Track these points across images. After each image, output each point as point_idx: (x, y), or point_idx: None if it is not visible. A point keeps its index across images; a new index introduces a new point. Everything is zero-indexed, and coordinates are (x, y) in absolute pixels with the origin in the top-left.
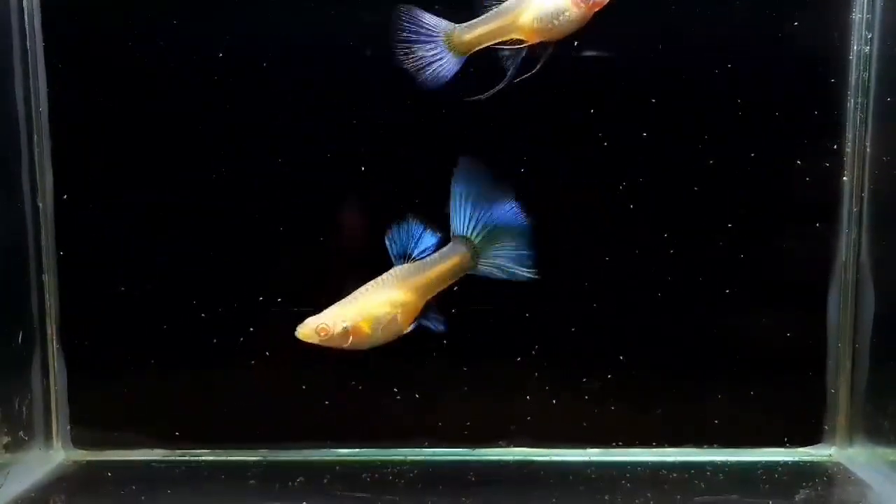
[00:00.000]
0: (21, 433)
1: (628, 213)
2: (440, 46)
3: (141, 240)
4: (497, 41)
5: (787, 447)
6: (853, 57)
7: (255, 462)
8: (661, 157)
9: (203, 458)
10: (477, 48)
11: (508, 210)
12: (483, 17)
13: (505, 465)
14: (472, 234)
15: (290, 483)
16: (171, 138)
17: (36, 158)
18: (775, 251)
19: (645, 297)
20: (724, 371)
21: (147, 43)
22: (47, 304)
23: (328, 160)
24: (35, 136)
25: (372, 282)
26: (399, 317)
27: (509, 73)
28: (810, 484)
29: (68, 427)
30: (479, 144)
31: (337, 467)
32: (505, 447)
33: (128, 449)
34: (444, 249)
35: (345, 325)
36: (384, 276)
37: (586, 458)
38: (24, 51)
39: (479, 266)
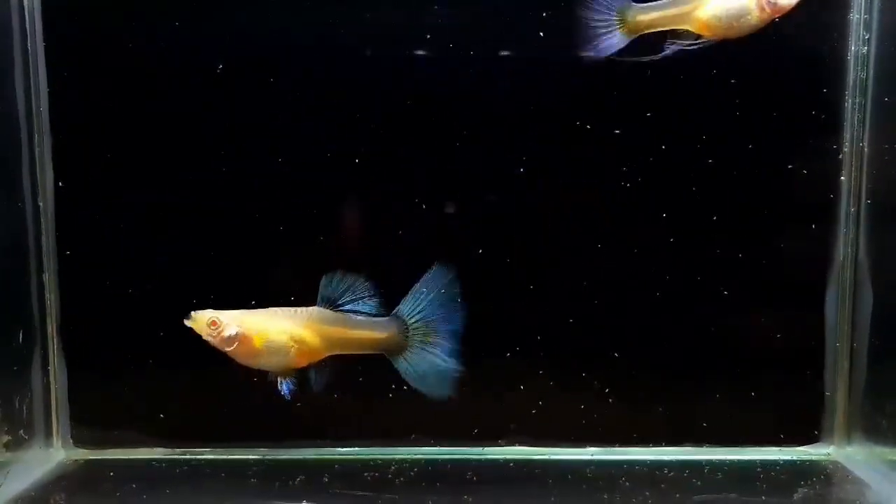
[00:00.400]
0: (21, 432)
1: (628, 212)
2: (612, 21)
3: (141, 239)
4: (669, 28)
5: (786, 446)
6: (851, 57)
7: (255, 461)
8: (659, 157)
9: (203, 456)
10: (647, 31)
11: (454, 319)
12: (662, 1)
13: (504, 464)
14: (412, 322)
15: (290, 482)
16: (172, 137)
17: (36, 157)
18: (773, 251)
19: (644, 297)
20: (722, 370)
21: (147, 42)
22: (48, 302)
23: (328, 160)
24: (36, 135)
25: (289, 309)
26: (292, 352)
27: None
28: (808, 483)
29: (69, 426)
30: (480, 144)
31: (336, 466)
32: (504, 446)
33: (128, 448)
34: (380, 319)
35: (238, 330)
36: (303, 309)
37: (585, 457)
38: (25, 50)
39: (400, 357)
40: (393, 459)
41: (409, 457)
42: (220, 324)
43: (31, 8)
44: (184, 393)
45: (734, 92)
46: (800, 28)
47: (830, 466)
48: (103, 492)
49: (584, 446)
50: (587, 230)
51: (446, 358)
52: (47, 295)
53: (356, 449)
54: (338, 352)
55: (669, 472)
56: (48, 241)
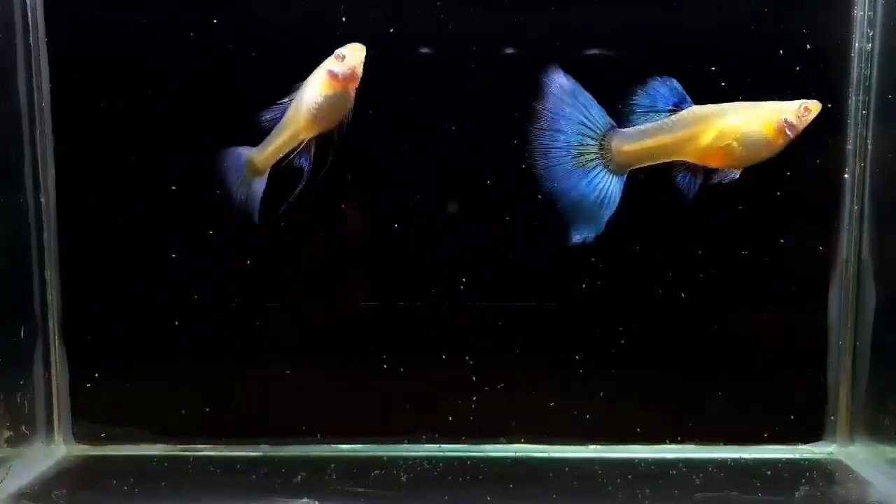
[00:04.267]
0: (23, 428)
1: (629, 209)
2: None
3: (142, 236)
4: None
5: (788, 444)
6: (854, 54)
7: (256, 457)
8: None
9: (204, 453)
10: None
11: None
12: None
13: (505, 461)
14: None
15: (291, 478)
16: (174, 135)
17: (38, 155)
18: (777, 249)
19: (646, 295)
20: (725, 368)
21: (150, 39)
22: (49, 299)
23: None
24: (38, 133)
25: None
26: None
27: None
28: (811, 481)
29: (70, 422)
30: (478, 143)
31: (337, 463)
32: (505, 443)
33: (129, 444)
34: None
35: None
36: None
37: (587, 455)
38: (27, 47)
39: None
40: (394, 456)
41: (410, 454)
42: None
43: (34, 5)
44: (185, 389)
45: (738, 89)
46: (803, 25)
47: (833, 465)
48: (104, 488)
49: (586, 444)
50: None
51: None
52: (49, 291)
53: (357, 446)
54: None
55: (671, 469)
56: (50, 238)
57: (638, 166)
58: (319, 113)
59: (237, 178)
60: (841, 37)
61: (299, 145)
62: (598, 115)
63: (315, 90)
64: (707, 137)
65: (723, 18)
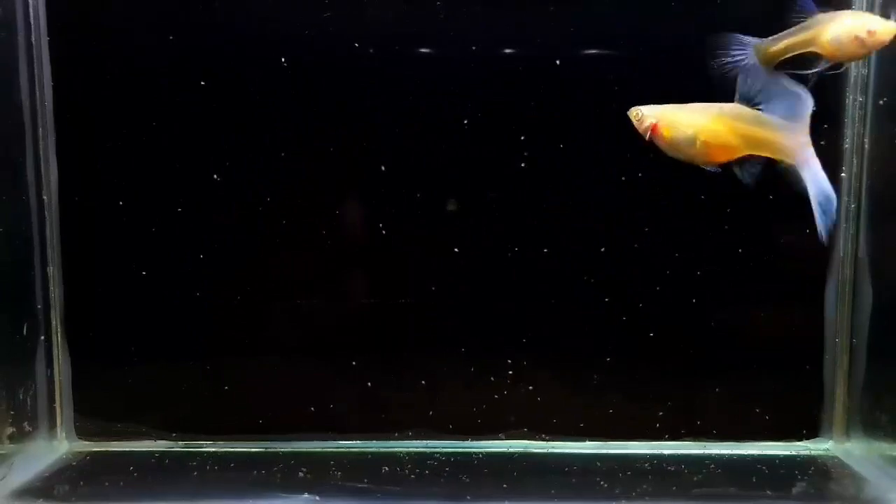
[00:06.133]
0: (25, 424)
1: (628, 208)
2: (751, 59)
3: (145, 232)
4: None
5: (785, 441)
6: None
7: (257, 453)
8: (659, 153)
9: (205, 449)
10: (780, 59)
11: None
12: (788, 31)
13: (504, 457)
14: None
15: (292, 474)
16: (176, 132)
17: (41, 152)
18: (773, 246)
19: (644, 292)
20: (722, 365)
21: (152, 37)
22: (52, 295)
23: (330, 157)
24: (40, 130)
25: (707, 104)
26: (699, 144)
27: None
28: (807, 478)
29: (72, 418)
30: (479, 140)
31: (338, 459)
32: (504, 439)
33: (131, 440)
34: (794, 124)
35: (652, 121)
36: (719, 106)
37: (585, 451)
38: (29, 44)
39: (805, 168)
40: (394, 452)
41: (410, 450)
42: (640, 115)
43: (36, 2)
44: (187, 385)
45: (735, 89)
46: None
47: (829, 461)
48: (106, 483)
49: (584, 440)
50: (587, 225)
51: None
52: (51, 288)
53: (358, 442)
54: (752, 151)
55: (668, 466)
56: (52, 234)
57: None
58: (833, 51)
59: (743, 58)
60: None
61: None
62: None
63: (839, 35)
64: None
65: (720, 17)
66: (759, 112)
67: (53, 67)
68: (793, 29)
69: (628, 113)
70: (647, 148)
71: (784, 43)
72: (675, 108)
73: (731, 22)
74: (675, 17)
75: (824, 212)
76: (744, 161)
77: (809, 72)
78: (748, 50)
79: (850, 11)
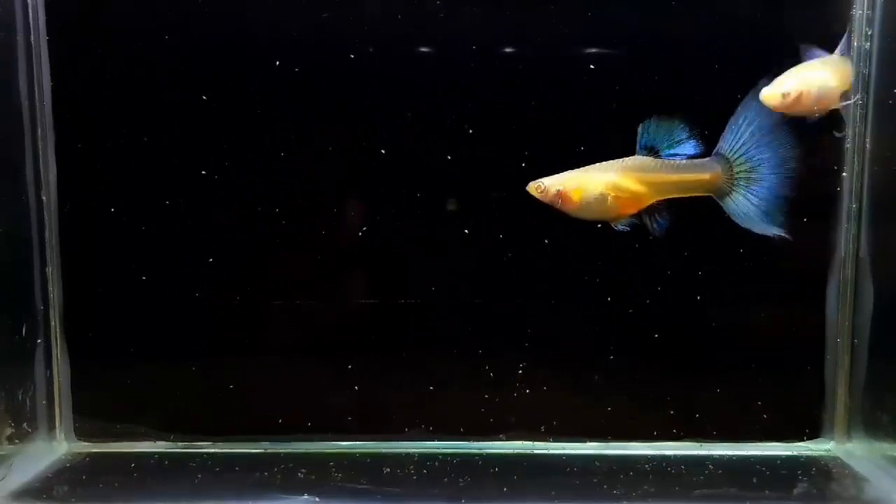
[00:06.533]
0: (24, 425)
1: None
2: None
3: (144, 233)
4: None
5: (786, 441)
6: (853, 53)
7: (257, 454)
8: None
9: (205, 450)
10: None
11: (784, 157)
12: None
13: (505, 457)
14: (736, 158)
15: (292, 475)
16: (175, 132)
17: (40, 152)
18: (775, 246)
19: (645, 292)
20: (722, 365)
21: (151, 37)
22: (51, 296)
23: (330, 157)
24: (39, 130)
25: (608, 162)
26: (611, 200)
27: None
28: (808, 478)
29: (71, 419)
30: (478, 141)
31: (338, 460)
32: (505, 440)
33: (130, 441)
34: (700, 160)
35: (559, 188)
36: (621, 159)
37: (586, 452)
38: (28, 44)
39: (727, 197)
40: (395, 453)
41: (410, 451)
42: (543, 187)
43: (35, 2)
44: (186, 386)
45: (736, 87)
46: (802, 23)
47: (830, 462)
48: (106, 485)
49: (585, 441)
50: (587, 224)
51: (771, 197)
52: (50, 288)
53: (358, 443)
54: (664, 196)
55: (670, 467)
56: (51, 235)
57: None
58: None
59: None
60: (840, 35)
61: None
62: None
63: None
64: None
65: (720, 17)
66: (664, 160)
67: (52, 68)
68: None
69: (528, 189)
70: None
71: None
72: (577, 173)
73: (730, 21)
74: (676, 16)
75: (760, 226)
76: (653, 211)
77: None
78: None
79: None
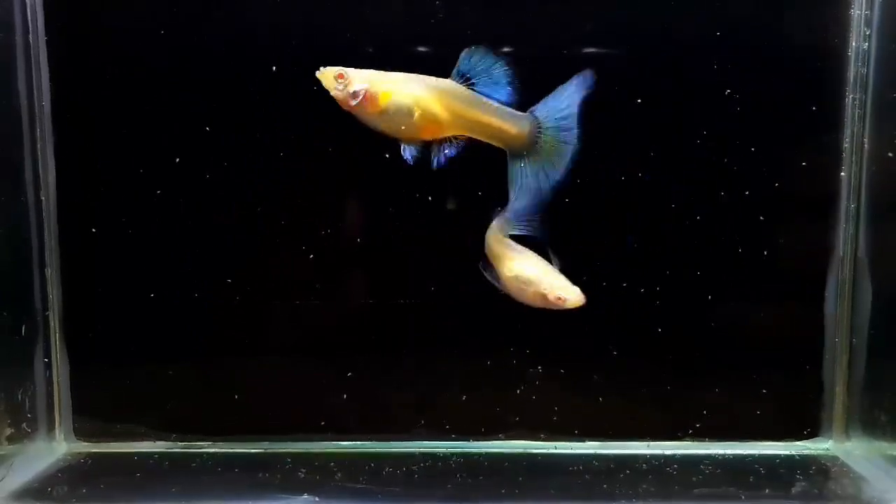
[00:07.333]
0: (24, 425)
1: (628, 207)
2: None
3: (143, 233)
4: None
5: (785, 441)
6: (852, 53)
7: (257, 454)
8: (660, 152)
9: (205, 450)
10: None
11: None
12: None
13: (505, 457)
14: (548, 124)
15: (292, 475)
16: (174, 132)
17: (39, 153)
18: (774, 246)
19: (644, 291)
20: (722, 365)
21: (150, 37)
22: (50, 297)
23: (330, 156)
24: (38, 131)
25: (422, 76)
26: (416, 118)
27: None
28: (807, 477)
29: (71, 419)
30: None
31: (339, 459)
32: (505, 440)
33: (130, 441)
34: (517, 112)
35: (364, 86)
36: (435, 79)
37: (585, 451)
38: (27, 45)
39: (518, 160)
40: (395, 453)
41: (411, 451)
42: (347, 78)
43: (34, 3)
44: (186, 386)
45: (735, 87)
46: (801, 24)
47: (829, 461)
48: (105, 484)
49: (585, 440)
50: (586, 224)
51: (552, 181)
52: (50, 289)
53: (358, 443)
54: (464, 133)
55: (669, 466)
56: (50, 236)
57: None
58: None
59: None
60: (838, 36)
61: None
62: None
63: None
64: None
65: (720, 17)
66: (479, 95)
67: (51, 69)
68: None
69: (323, 73)
70: (643, 149)
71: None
72: (388, 75)
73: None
74: (676, 15)
75: (527, 204)
76: (443, 143)
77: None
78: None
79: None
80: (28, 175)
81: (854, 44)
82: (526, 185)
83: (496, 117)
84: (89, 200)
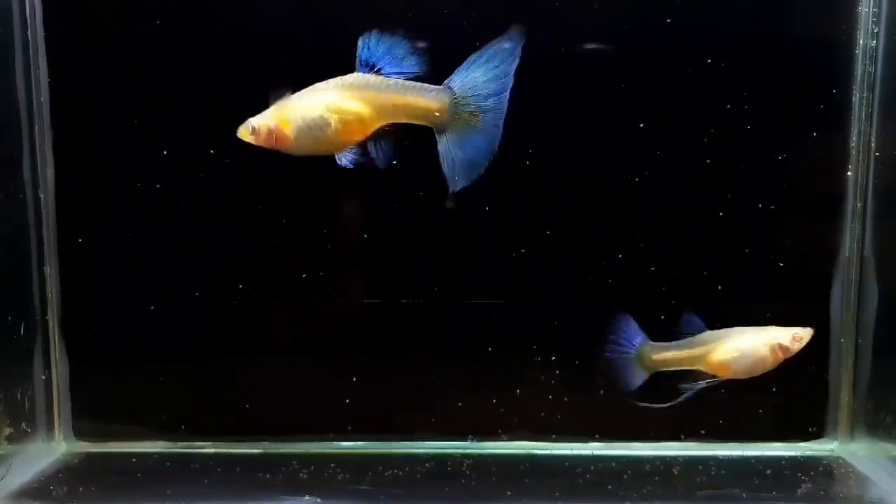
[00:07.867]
0: (23, 425)
1: (632, 206)
2: (631, 357)
3: (142, 232)
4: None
5: (790, 442)
6: (859, 51)
7: (257, 455)
8: (666, 151)
9: (205, 450)
10: (663, 369)
11: (502, 115)
12: (677, 343)
13: (507, 458)
14: (465, 98)
15: (293, 476)
16: (174, 130)
17: (37, 149)
18: (779, 246)
19: (649, 291)
20: None
21: (149, 34)
22: (49, 295)
23: (330, 157)
24: (36, 128)
25: (326, 81)
26: (334, 124)
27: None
28: (812, 478)
29: (70, 419)
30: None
31: (339, 460)
32: (507, 440)
33: (129, 441)
34: (432, 87)
35: (269, 126)
36: (340, 79)
37: (589, 452)
38: (25, 40)
39: (444, 134)
40: (396, 454)
41: (412, 451)
42: (252, 124)
43: None
44: (186, 386)
45: (741, 85)
46: (808, 21)
47: (834, 462)
48: (105, 485)
49: (588, 441)
50: (589, 224)
51: (481, 149)
52: (48, 288)
53: (358, 443)
54: (390, 120)
55: (673, 467)
56: (49, 234)
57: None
58: (722, 369)
59: (624, 353)
60: (845, 33)
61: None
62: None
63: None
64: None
65: (726, 14)
66: (389, 78)
67: (50, 64)
68: (682, 342)
69: (239, 134)
70: (648, 147)
71: (670, 355)
72: (287, 101)
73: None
74: (676, 15)
75: (460, 175)
76: (378, 138)
77: (687, 389)
78: (631, 350)
79: (739, 329)
80: (26, 172)
81: (861, 41)
82: (458, 159)
83: (414, 94)
84: (88, 198)
